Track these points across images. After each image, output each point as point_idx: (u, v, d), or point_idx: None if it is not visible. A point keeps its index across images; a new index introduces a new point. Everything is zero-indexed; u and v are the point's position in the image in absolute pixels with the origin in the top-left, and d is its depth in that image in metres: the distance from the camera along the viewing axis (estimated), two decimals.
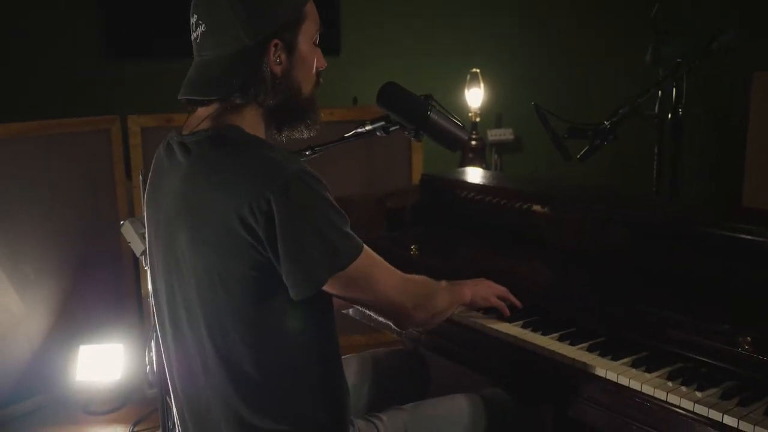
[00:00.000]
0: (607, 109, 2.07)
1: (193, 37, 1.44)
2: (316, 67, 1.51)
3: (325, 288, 1.37)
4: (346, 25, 4.37)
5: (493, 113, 4.64)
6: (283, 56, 1.43)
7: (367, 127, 1.81)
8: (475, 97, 4.41)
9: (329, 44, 1.52)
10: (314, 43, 1.49)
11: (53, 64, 4.09)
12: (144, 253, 1.86)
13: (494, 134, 4.61)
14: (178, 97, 1.46)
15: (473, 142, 4.34)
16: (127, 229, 1.90)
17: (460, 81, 4.44)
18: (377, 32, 4.47)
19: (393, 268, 1.49)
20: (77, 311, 3.18)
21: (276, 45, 1.41)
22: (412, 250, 2.22)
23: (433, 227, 2.46)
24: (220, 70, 1.40)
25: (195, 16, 1.43)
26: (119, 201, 3.31)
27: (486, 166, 4.45)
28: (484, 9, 4.59)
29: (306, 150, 1.81)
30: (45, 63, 4.08)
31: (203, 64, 1.43)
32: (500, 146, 4.65)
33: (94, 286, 3.23)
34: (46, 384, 3.11)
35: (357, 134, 1.83)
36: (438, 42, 4.55)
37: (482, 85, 4.39)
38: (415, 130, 1.73)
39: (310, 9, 1.46)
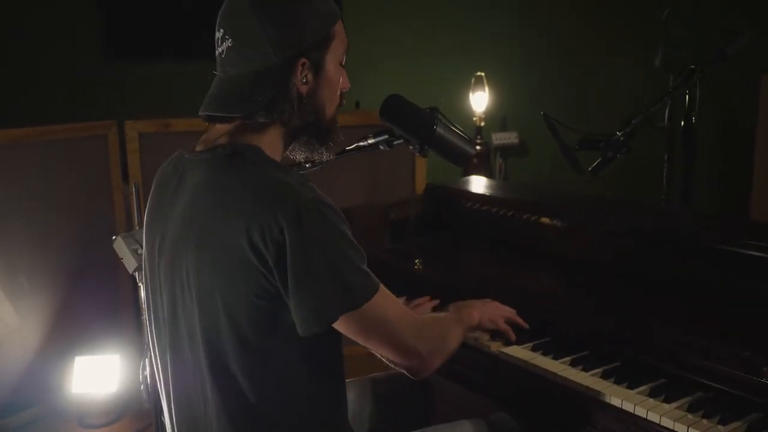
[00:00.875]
0: (614, 111, 1.99)
1: (217, 53, 1.38)
2: (340, 88, 1.45)
3: (336, 326, 1.30)
4: (348, 26, 4.28)
5: (497, 116, 4.56)
6: (309, 76, 1.37)
7: (370, 141, 1.74)
8: (480, 101, 4.33)
9: None
10: (340, 64, 1.43)
11: (53, 65, 4.06)
12: (138, 269, 1.78)
13: (499, 138, 4.52)
14: (199, 113, 1.40)
15: (477, 147, 4.26)
16: (120, 245, 1.82)
17: (464, 83, 4.37)
18: (380, 34, 4.41)
19: (408, 310, 1.43)
20: (73, 321, 3.11)
21: (303, 64, 1.36)
22: (416, 264, 2.15)
23: (438, 238, 2.39)
24: (246, 86, 1.34)
25: (221, 30, 1.36)
26: (116, 207, 3.25)
27: (490, 171, 4.37)
28: (488, 11, 4.52)
29: (306, 163, 1.73)
30: (45, 63, 4.05)
31: (227, 80, 1.37)
32: (505, 150, 4.57)
33: (91, 295, 3.16)
34: (42, 396, 3.04)
35: (359, 147, 1.76)
36: (442, 45, 4.48)
37: (487, 89, 4.31)
38: (420, 145, 1.66)
39: (339, 29, 1.42)
